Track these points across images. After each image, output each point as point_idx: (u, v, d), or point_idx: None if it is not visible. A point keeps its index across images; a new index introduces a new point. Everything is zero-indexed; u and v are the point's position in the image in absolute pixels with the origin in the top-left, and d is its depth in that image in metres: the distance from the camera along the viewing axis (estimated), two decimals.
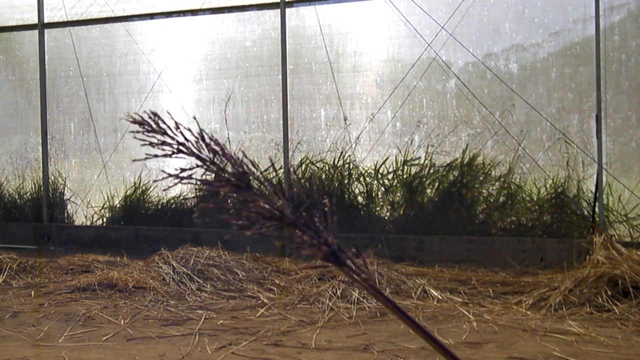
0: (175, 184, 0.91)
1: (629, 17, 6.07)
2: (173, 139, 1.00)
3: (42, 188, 8.20)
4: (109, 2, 7.85)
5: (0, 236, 8.13)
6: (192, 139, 0.99)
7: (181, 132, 0.99)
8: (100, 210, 8.00)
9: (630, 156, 6.09)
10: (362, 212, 6.85)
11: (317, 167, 7.04)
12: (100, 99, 8.03)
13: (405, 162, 6.74)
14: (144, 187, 7.80)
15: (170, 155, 0.98)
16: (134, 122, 0.95)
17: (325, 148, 7.04)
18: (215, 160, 0.94)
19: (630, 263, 4.67)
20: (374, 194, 6.86)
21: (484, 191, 6.51)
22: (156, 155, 0.99)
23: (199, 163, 0.95)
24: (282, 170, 7.12)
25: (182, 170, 0.97)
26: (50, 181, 8.22)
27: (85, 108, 8.07)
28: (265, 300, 4.85)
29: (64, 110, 8.21)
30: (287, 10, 7.11)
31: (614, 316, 4.25)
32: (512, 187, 6.38)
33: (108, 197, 7.95)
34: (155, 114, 0.97)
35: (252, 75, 7.36)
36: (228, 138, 7.41)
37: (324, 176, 7.03)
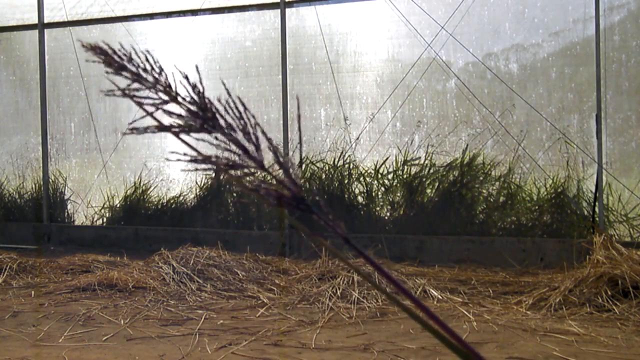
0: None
1: (629, 17, 6.07)
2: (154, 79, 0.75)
3: (42, 188, 8.20)
4: (109, 2, 7.85)
5: (0, 236, 8.13)
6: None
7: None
8: (100, 210, 8.00)
9: (630, 156, 6.09)
10: (362, 212, 6.85)
11: (317, 167, 7.04)
12: (100, 99, 8.03)
13: (405, 162, 6.74)
14: (144, 187, 7.80)
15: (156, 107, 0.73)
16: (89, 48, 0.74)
17: (326, 148, 7.04)
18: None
19: (630, 263, 4.67)
20: (374, 194, 6.86)
21: (484, 191, 6.51)
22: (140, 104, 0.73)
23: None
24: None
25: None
26: (50, 181, 8.22)
27: (85, 108, 8.07)
28: (265, 300, 4.85)
29: (65, 110, 8.21)
30: (287, 10, 7.11)
31: (614, 316, 4.25)
32: (512, 187, 6.38)
33: (108, 197, 7.95)
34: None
35: (252, 75, 7.36)
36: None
37: (324, 176, 7.03)
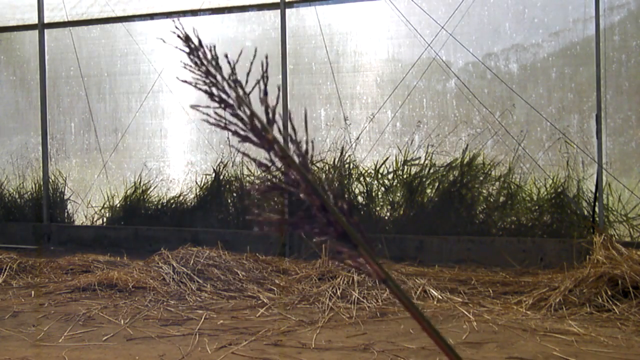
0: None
1: (629, 17, 6.07)
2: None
3: (42, 188, 8.20)
4: (110, 2, 7.85)
5: (0, 236, 8.13)
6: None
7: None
8: (100, 210, 8.00)
9: (630, 156, 6.09)
10: (362, 212, 6.85)
11: (317, 167, 7.04)
12: (100, 99, 8.03)
13: (405, 162, 6.74)
14: (144, 187, 7.80)
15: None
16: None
17: (326, 148, 7.04)
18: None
19: (630, 263, 4.67)
20: (374, 194, 6.86)
21: (484, 191, 6.51)
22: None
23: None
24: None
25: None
26: (50, 181, 8.22)
27: (85, 108, 8.07)
28: (265, 300, 4.85)
29: (65, 110, 8.21)
30: (287, 10, 7.11)
31: (614, 316, 4.25)
32: (512, 187, 6.38)
33: (108, 197, 7.95)
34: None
35: (252, 76, 7.35)
36: (228, 138, 7.42)
37: (324, 176, 7.03)
